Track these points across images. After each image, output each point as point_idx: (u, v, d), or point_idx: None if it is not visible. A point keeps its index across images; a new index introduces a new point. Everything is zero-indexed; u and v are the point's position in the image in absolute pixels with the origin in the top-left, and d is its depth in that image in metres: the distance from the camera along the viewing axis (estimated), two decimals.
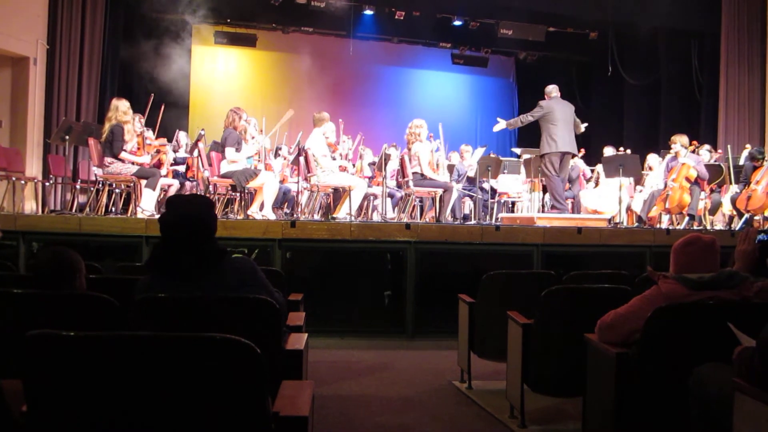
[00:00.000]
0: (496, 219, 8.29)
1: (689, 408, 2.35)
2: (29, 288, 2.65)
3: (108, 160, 6.89)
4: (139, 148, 7.07)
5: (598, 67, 13.36)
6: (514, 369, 3.46)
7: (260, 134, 7.72)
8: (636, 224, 7.55)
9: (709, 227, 7.98)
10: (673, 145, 7.90)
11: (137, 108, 7.50)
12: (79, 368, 1.68)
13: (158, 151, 8.05)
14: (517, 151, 9.36)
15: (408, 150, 7.78)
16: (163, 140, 8.36)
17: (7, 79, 9.05)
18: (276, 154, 9.17)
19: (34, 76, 9.04)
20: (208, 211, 2.49)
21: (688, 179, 7.56)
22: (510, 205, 9.25)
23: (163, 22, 11.23)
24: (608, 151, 9.33)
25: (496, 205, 8.93)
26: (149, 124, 8.04)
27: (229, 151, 6.87)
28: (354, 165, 8.87)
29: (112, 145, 6.82)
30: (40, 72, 9.14)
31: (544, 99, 7.70)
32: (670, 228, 7.04)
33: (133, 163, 6.90)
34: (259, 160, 7.40)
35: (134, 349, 1.64)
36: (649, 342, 2.51)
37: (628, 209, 8.80)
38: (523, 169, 8.84)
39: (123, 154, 6.83)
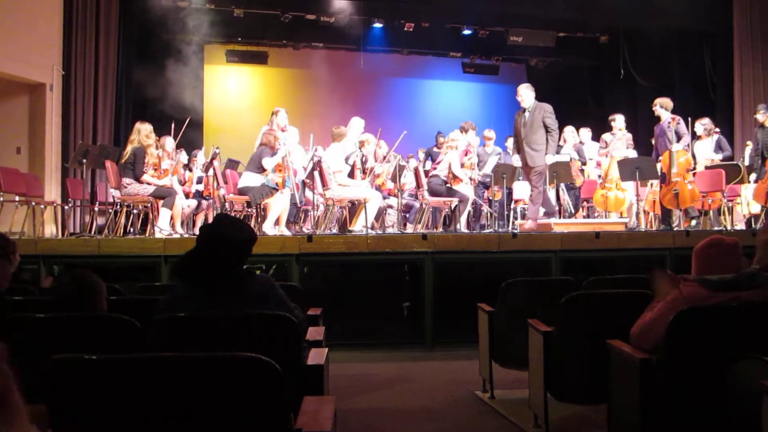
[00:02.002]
0: (513, 226, 8.24)
1: (716, 410, 2.32)
2: (51, 310, 2.68)
3: (126, 181, 7.00)
4: (155, 170, 7.16)
5: (610, 70, 13.31)
6: (536, 377, 3.43)
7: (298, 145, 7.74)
8: (663, 227, 7.41)
9: (729, 227, 7.88)
10: (655, 108, 7.79)
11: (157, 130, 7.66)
12: (104, 391, 1.70)
13: (189, 169, 8.15)
14: None
15: (440, 153, 7.82)
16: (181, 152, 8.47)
17: (24, 105, 9.19)
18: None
19: (50, 102, 9.17)
20: (249, 241, 2.56)
21: (688, 169, 7.40)
22: (527, 212, 9.20)
23: (175, 43, 11.36)
24: (584, 133, 9.39)
25: (511, 212, 8.89)
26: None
27: (266, 161, 6.99)
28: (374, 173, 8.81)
29: (134, 167, 6.96)
30: (57, 98, 9.28)
31: (533, 96, 7.39)
32: (690, 229, 6.96)
33: (150, 184, 7.02)
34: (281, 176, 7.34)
35: (157, 370, 1.66)
36: (672, 346, 2.49)
37: (645, 211, 8.74)
38: None
39: (145, 177, 6.95)
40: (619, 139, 8.59)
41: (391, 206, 8.76)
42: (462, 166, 7.92)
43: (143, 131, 7.10)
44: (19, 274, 4.22)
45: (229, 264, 2.49)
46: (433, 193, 7.82)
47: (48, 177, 9.04)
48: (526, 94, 7.42)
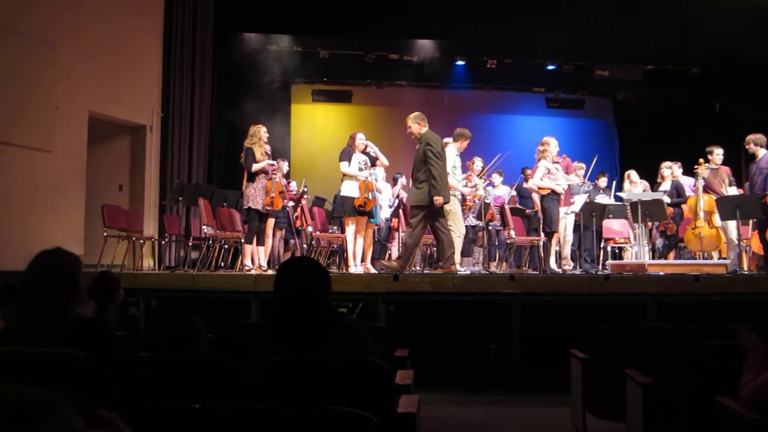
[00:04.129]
0: (603, 266, 7.97)
1: None
2: (151, 349, 2.78)
3: (248, 191, 7.24)
4: (267, 193, 7.32)
5: (703, 103, 12.80)
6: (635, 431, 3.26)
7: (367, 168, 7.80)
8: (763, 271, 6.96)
9: None
10: (749, 146, 7.31)
11: None
12: None
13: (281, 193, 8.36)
14: (622, 195, 9.03)
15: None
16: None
17: (126, 146, 9.76)
18: (394, 183, 9.34)
19: (150, 142, 9.70)
20: (322, 279, 2.52)
21: None
22: (618, 251, 8.90)
23: (264, 84, 11.82)
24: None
25: (602, 251, 8.61)
26: None
27: (342, 165, 7.07)
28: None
29: (246, 163, 7.27)
30: (156, 138, 9.81)
31: (419, 126, 6.73)
32: None
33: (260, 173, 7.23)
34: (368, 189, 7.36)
35: (258, 420, 1.68)
36: None
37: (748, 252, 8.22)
38: (630, 214, 8.47)
39: (254, 166, 7.19)
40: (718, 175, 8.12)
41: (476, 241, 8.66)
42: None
43: (250, 132, 7.45)
44: (126, 308, 4.43)
45: (319, 311, 2.49)
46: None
47: (147, 213, 9.52)
48: (411, 124, 6.78)
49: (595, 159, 9.25)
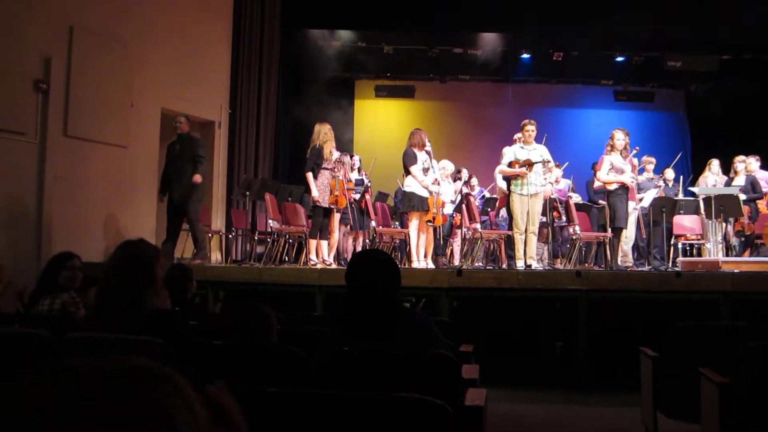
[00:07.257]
0: (674, 263, 7.72)
1: None
2: (224, 337, 2.86)
3: (313, 191, 7.34)
4: (332, 192, 7.35)
5: None
6: None
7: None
8: None
9: None
10: None
11: None
12: (280, 423, 1.78)
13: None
14: (695, 190, 8.71)
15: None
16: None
17: None
18: (456, 178, 9.29)
19: (218, 138, 9.94)
20: (393, 273, 2.57)
21: None
22: (689, 248, 8.59)
23: (328, 80, 11.97)
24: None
25: (673, 248, 8.33)
26: None
27: (414, 169, 7.03)
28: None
29: (307, 163, 7.37)
30: (224, 134, 10.04)
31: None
32: None
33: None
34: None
35: (333, 406, 1.71)
36: None
37: None
38: (703, 210, 8.16)
39: (309, 174, 7.25)
40: None
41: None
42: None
43: (315, 129, 7.49)
44: (192, 299, 4.57)
45: (390, 303, 2.53)
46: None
47: (215, 207, 9.76)
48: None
49: (678, 156, 8.93)
